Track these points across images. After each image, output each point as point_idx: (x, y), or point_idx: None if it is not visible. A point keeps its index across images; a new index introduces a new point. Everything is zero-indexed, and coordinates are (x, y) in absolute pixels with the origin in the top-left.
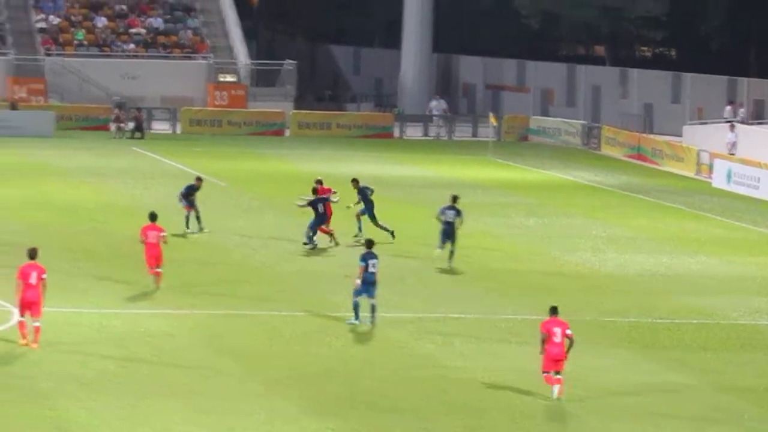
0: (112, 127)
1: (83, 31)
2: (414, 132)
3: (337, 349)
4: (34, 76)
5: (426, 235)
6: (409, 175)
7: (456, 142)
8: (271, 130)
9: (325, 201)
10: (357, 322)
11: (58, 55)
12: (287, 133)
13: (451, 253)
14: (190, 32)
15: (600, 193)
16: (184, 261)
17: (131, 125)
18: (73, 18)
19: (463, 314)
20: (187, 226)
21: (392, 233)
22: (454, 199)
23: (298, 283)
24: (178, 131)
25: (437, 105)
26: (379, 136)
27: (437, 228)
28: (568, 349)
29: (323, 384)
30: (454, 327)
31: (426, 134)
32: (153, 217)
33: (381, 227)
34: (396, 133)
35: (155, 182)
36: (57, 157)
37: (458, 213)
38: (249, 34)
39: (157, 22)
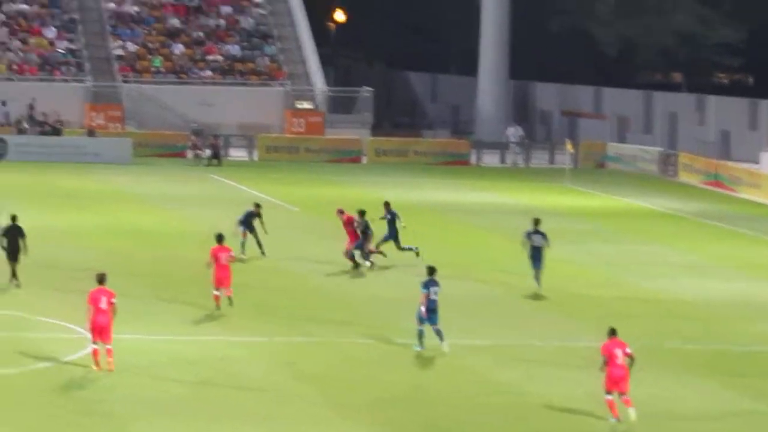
0: (189, 154)
1: (161, 58)
2: (490, 159)
3: (413, 376)
4: (112, 103)
5: (502, 262)
6: (486, 202)
7: (532, 169)
8: (348, 158)
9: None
10: (421, 348)
11: (135, 82)
12: (364, 160)
13: (538, 277)
14: (267, 59)
15: (677, 220)
16: (259, 287)
17: (208, 152)
18: (150, 45)
19: (542, 341)
20: (243, 252)
21: (417, 251)
22: (537, 222)
23: (372, 309)
24: (255, 158)
25: (514, 132)
26: (455, 163)
27: (513, 254)
28: (630, 368)
29: (399, 410)
30: (532, 354)
31: (503, 161)
32: (220, 238)
33: (405, 249)
34: (472, 160)
35: (232, 209)
36: (134, 184)
37: (544, 236)
38: (326, 61)
39: (235, 50)
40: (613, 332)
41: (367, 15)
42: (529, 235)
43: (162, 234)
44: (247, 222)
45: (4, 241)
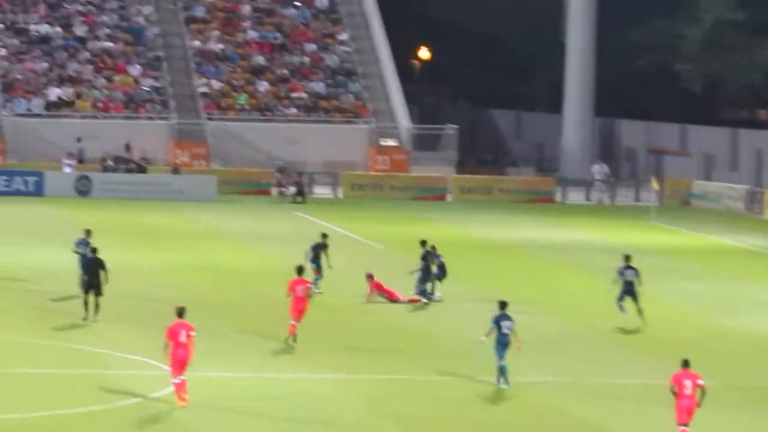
0: (274, 191)
1: (245, 95)
2: (576, 196)
3: (497, 414)
4: (197, 141)
5: (586, 299)
6: (571, 240)
7: (618, 206)
8: (432, 195)
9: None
10: (507, 386)
11: (220, 119)
12: (449, 197)
13: (640, 311)
14: (351, 96)
15: (763, 257)
16: (343, 324)
17: (292, 189)
18: (235, 83)
19: (626, 379)
20: (317, 287)
21: (430, 298)
22: (628, 258)
23: (457, 346)
24: (340, 195)
25: (599, 169)
26: (540, 201)
27: (597, 292)
28: (701, 400)
29: None
30: (616, 392)
31: (587, 199)
32: (300, 270)
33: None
34: (557, 197)
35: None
36: (219, 221)
37: (637, 272)
38: (410, 99)
39: (319, 87)
40: (686, 363)
41: (451, 52)
42: (621, 271)
43: (246, 271)
44: (316, 254)
45: (84, 275)
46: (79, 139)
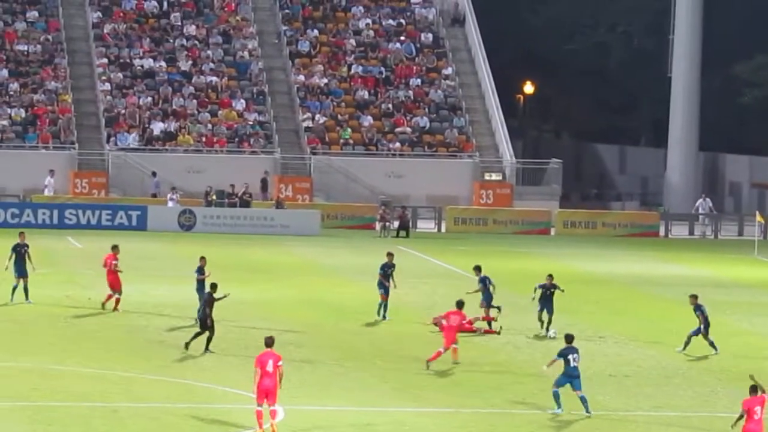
0: (378, 225)
1: (349, 129)
2: (680, 231)
3: None
4: (300, 175)
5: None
6: (675, 274)
7: (721, 240)
8: (536, 229)
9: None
10: (559, 411)
11: (323, 153)
12: (552, 231)
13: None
14: (456, 131)
15: None
16: (445, 359)
17: (396, 224)
18: (339, 117)
19: (728, 413)
20: (380, 314)
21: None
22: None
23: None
24: (443, 230)
25: (703, 203)
26: (644, 235)
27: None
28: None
29: None
30: (721, 426)
31: (691, 233)
32: (460, 304)
33: (489, 315)
34: (661, 231)
35: (420, 281)
36: (323, 256)
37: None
38: (514, 133)
39: (423, 121)
40: (754, 389)
41: (556, 87)
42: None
43: (349, 305)
44: (385, 276)
45: (206, 310)
46: (154, 174)
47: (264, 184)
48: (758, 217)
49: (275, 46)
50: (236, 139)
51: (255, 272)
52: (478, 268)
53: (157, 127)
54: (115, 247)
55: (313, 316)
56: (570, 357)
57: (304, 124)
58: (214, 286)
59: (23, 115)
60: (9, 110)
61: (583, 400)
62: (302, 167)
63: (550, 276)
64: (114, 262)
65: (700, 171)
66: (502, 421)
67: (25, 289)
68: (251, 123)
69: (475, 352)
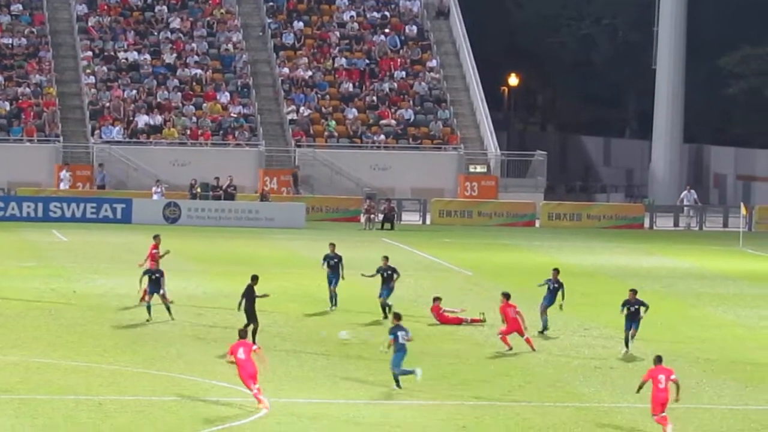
0: (363, 218)
1: (334, 122)
2: (665, 223)
3: None
4: (285, 168)
5: (672, 326)
6: (660, 266)
7: (706, 232)
8: (521, 221)
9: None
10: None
11: (308, 146)
12: (537, 224)
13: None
14: (440, 123)
15: None
16: (433, 352)
17: (381, 216)
18: (323, 110)
19: (713, 405)
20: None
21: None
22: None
23: (547, 373)
24: (428, 222)
25: (688, 195)
26: (629, 227)
27: (685, 318)
28: (677, 394)
29: None
30: (703, 418)
31: (676, 225)
32: (507, 296)
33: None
34: (646, 223)
35: (405, 274)
36: (307, 249)
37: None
38: (499, 126)
39: (408, 114)
40: (659, 359)
41: (540, 79)
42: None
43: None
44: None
45: (243, 303)
46: (101, 165)
47: (295, 179)
48: (743, 209)
49: (260, 39)
50: (221, 132)
51: (239, 265)
52: (556, 270)
53: (142, 120)
54: (156, 237)
55: (298, 309)
56: (399, 334)
57: (289, 117)
58: (255, 278)
59: (8, 108)
60: None
61: (396, 377)
62: (287, 160)
63: (556, 270)
64: (155, 251)
65: (685, 163)
66: (487, 414)
67: None
68: (236, 116)
69: (461, 345)
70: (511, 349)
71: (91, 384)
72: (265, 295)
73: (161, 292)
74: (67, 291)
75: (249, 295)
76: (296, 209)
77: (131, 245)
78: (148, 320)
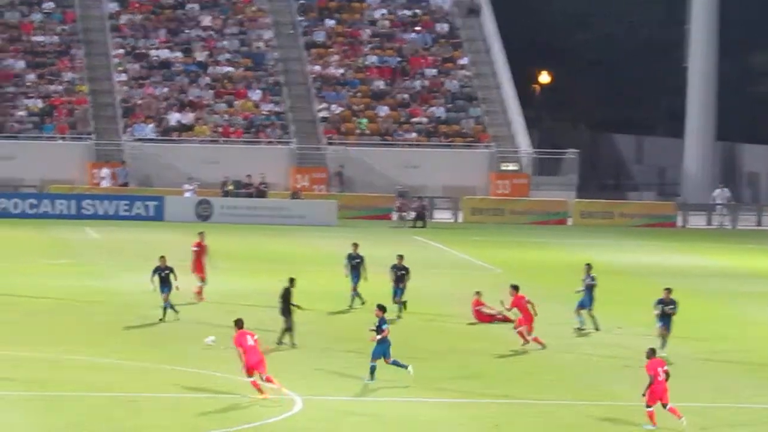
0: (394, 216)
1: (365, 120)
2: (697, 221)
3: None
4: (316, 166)
5: (704, 324)
6: (691, 265)
7: (739, 231)
8: (552, 219)
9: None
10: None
11: (340, 144)
12: (569, 222)
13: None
14: (472, 121)
15: None
16: (463, 350)
17: (413, 214)
18: (355, 107)
19: (751, 404)
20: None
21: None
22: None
23: (578, 371)
24: (460, 220)
25: (720, 194)
26: (661, 225)
27: (716, 316)
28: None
29: None
30: (742, 417)
31: (709, 223)
32: (516, 288)
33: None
34: (679, 222)
35: (437, 272)
36: (339, 247)
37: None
38: (531, 123)
39: (439, 111)
40: (653, 352)
41: (572, 77)
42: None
43: (365, 296)
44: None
45: (280, 303)
46: (123, 163)
47: (340, 177)
48: None
49: (291, 37)
50: (252, 130)
51: (271, 262)
52: (588, 266)
53: (174, 118)
54: (201, 234)
55: (328, 307)
56: (385, 327)
57: (320, 115)
58: (292, 281)
59: (40, 105)
60: (26, 101)
61: (396, 363)
62: (318, 158)
63: (589, 265)
64: (195, 249)
65: (717, 161)
66: (518, 412)
67: None
68: (267, 114)
69: (490, 343)
70: (527, 343)
71: (122, 381)
72: (298, 306)
73: (171, 289)
74: (98, 288)
75: (285, 297)
76: (328, 207)
77: (163, 243)
78: (160, 320)
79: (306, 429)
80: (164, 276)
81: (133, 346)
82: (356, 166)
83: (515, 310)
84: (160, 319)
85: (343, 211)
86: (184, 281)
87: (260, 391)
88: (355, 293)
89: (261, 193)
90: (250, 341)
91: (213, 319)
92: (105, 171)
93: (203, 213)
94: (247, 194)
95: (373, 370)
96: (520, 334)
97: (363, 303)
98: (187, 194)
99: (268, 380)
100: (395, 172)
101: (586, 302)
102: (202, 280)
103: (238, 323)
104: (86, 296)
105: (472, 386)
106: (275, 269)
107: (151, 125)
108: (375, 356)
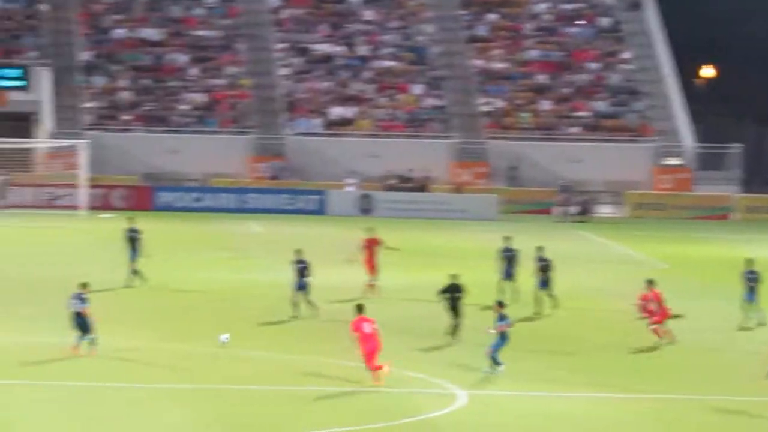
0: (557, 210)
1: (527, 114)
2: None
3: None
4: (478, 160)
5: None
6: None
7: None
8: (716, 215)
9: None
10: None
11: (501, 138)
12: (733, 217)
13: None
14: (635, 115)
15: None
16: (627, 346)
17: (575, 209)
18: (517, 102)
19: None
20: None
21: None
22: None
23: (746, 366)
24: (623, 215)
25: None
26: None
27: None
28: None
29: None
30: None
31: None
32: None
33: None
34: None
35: (600, 266)
36: (499, 241)
37: None
38: (694, 118)
39: (602, 106)
40: (360, 308)
41: (736, 71)
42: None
43: (526, 291)
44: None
45: (445, 299)
46: (278, 157)
47: (513, 172)
48: None
49: (453, 31)
50: (414, 124)
51: (433, 256)
52: (750, 261)
53: (335, 112)
54: (371, 230)
55: (491, 301)
56: (503, 323)
57: (482, 109)
58: (456, 276)
59: (203, 100)
60: (189, 95)
61: (494, 358)
62: (480, 152)
63: (750, 260)
64: (366, 245)
65: None
66: (686, 407)
67: (134, 272)
68: (429, 108)
69: (652, 337)
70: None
71: (285, 374)
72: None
73: (304, 285)
74: (257, 281)
75: (452, 293)
76: (489, 201)
77: (325, 237)
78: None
79: (468, 424)
80: (300, 269)
81: (297, 340)
82: (517, 160)
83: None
84: (293, 316)
85: (504, 206)
86: (336, 275)
87: (377, 378)
88: (506, 287)
89: (422, 188)
90: (367, 328)
91: (379, 313)
92: (274, 164)
93: (365, 207)
94: (408, 188)
95: (494, 360)
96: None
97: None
98: (348, 188)
99: (381, 367)
100: (558, 167)
101: (749, 297)
102: (373, 276)
103: (359, 308)
104: (245, 289)
105: (633, 382)
106: (437, 263)
107: (313, 119)
108: (495, 348)
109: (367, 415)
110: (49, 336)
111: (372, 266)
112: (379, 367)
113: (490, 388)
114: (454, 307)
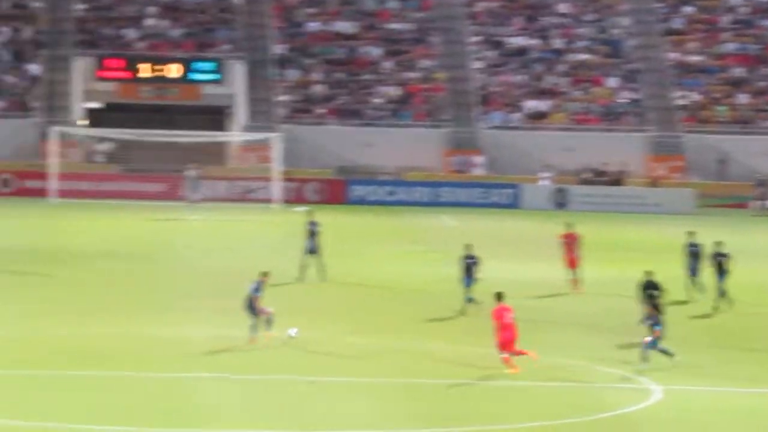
0: (754, 204)
1: (724, 107)
2: None
3: None
4: (674, 153)
5: None
6: None
7: None
8: None
9: None
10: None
11: (698, 132)
12: None
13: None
14: None
15: None
16: None
17: None
18: (714, 95)
19: None
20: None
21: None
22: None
23: None
24: None
25: None
26: None
27: None
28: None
29: None
30: None
31: None
32: None
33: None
34: None
35: None
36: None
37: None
38: None
39: None
40: (499, 296)
41: None
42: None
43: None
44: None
45: (643, 296)
46: (466, 150)
47: (722, 166)
48: None
49: (649, 23)
50: (609, 117)
51: (628, 251)
52: None
53: (530, 105)
54: (569, 225)
55: (682, 296)
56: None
57: (678, 102)
58: (650, 273)
59: (397, 93)
60: (383, 88)
61: (663, 350)
62: (675, 145)
63: None
64: (565, 240)
65: None
66: None
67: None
68: (624, 101)
69: None
70: None
71: (474, 368)
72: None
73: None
74: (447, 276)
75: (650, 289)
76: (685, 195)
77: (519, 231)
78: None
79: (665, 419)
80: (469, 265)
81: (476, 334)
82: (713, 154)
83: None
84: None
85: (701, 200)
86: (532, 270)
87: (512, 366)
88: (693, 282)
89: (617, 181)
90: (507, 318)
91: (571, 308)
92: (477, 159)
93: (559, 201)
94: (603, 182)
95: (660, 350)
96: None
97: (703, 293)
98: (542, 182)
99: (521, 353)
100: (754, 161)
101: None
102: (574, 270)
103: (499, 296)
104: (438, 283)
105: None
106: (633, 258)
107: (508, 113)
108: (651, 346)
109: (564, 411)
110: (237, 329)
111: (572, 261)
112: (518, 353)
113: (687, 383)
114: (655, 306)
